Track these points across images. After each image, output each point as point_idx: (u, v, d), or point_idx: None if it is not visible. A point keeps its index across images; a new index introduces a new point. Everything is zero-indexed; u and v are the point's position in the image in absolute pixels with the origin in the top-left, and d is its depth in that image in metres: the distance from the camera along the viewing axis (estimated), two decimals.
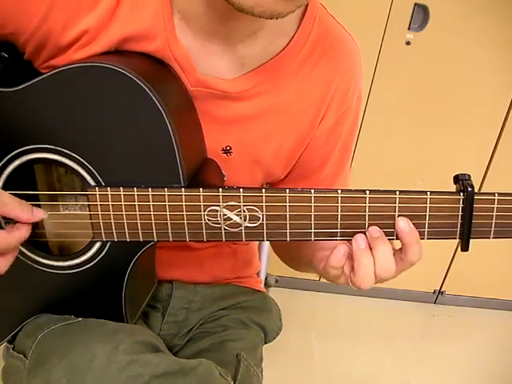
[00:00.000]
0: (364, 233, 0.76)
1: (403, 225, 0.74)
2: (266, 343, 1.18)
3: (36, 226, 0.85)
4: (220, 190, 0.75)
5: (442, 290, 2.80)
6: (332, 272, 0.80)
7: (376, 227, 0.76)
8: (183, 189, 0.76)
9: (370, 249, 0.76)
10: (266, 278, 1.44)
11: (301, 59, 0.91)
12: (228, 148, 0.93)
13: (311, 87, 0.93)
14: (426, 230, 0.74)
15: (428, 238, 0.75)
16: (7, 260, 0.80)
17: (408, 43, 2.19)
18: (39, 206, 0.86)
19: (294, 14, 0.89)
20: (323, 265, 0.83)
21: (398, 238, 0.76)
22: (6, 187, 0.81)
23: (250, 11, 0.71)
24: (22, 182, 0.83)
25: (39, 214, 0.80)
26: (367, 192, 0.73)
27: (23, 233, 0.79)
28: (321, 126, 0.97)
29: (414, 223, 0.74)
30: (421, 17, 2.14)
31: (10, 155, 0.80)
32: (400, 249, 0.77)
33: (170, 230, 0.78)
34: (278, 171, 1.01)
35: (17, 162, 0.80)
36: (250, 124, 0.92)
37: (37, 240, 0.86)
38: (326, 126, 0.97)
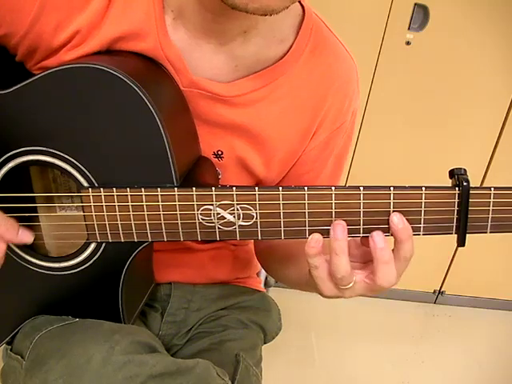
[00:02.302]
0: (359, 230, 0.75)
1: (397, 220, 0.72)
2: (265, 343, 1.18)
3: (32, 228, 0.85)
4: (213, 188, 0.75)
5: (442, 290, 2.80)
6: (311, 262, 0.75)
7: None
8: (176, 188, 0.75)
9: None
10: (266, 278, 1.45)
11: (296, 69, 0.91)
12: (219, 152, 0.93)
13: (305, 100, 0.93)
14: (422, 225, 0.74)
15: (424, 234, 0.74)
16: None
17: (408, 43, 2.19)
18: (35, 207, 0.86)
19: (291, 23, 0.90)
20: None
21: (388, 234, 0.75)
22: (1, 189, 0.81)
23: (243, 8, 0.70)
24: (18, 184, 0.83)
25: (24, 237, 0.82)
26: (361, 188, 0.72)
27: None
28: (313, 140, 0.97)
29: (409, 219, 0.73)
30: (421, 17, 2.14)
31: (3, 157, 0.80)
32: (392, 249, 0.74)
33: (163, 230, 0.78)
34: (270, 178, 1.00)
35: (10, 164, 0.80)
36: (240, 131, 0.92)
37: (33, 242, 0.86)
38: (319, 140, 0.97)
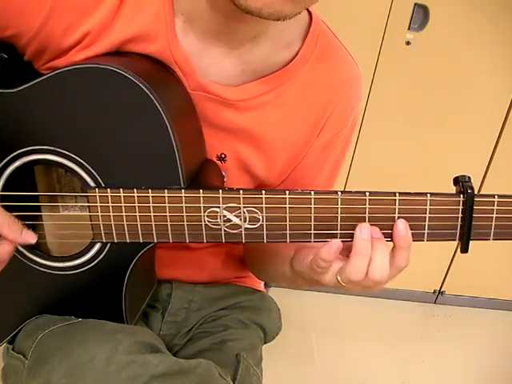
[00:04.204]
0: None
1: (401, 227, 0.73)
2: (265, 343, 1.18)
3: (36, 228, 0.85)
4: (220, 191, 0.75)
5: (442, 290, 2.80)
6: (320, 263, 0.76)
7: (377, 228, 0.75)
8: (183, 190, 0.76)
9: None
10: None
11: (302, 75, 0.92)
12: (223, 156, 0.94)
13: (309, 105, 0.94)
14: (426, 231, 0.74)
15: (428, 240, 0.75)
16: None
17: (408, 43, 2.19)
18: (39, 207, 0.86)
19: (298, 29, 0.90)
20: (309, 259, 0.79)
21: (391, 240, 0.75)
22: (5, 189, 0.81)
23: (257, 13, 0.71)
24: (22, 184, 0.83)
25: (28, 238, 0.81)
26: (367, 194, 0.73)
27: (6, 249, 0.80)
28: (314, 144, 0.98)
29: (413, 225, 0.74)
30: (421, 17, 2.14)
31: (9, 156, 0.80)
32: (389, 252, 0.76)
33: (169, 232, 0.78)
34: (271, 181, 1.01)
35: (17, 164, 0.80)
36: (245, 136, 0.93)
37: (37, 241, 0.86)
38: (319, 143, 0.98)
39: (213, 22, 0.83)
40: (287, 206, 0.74)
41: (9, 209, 0.81)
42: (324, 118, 0.95)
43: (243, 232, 0.77)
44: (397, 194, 0.73)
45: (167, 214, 0.77)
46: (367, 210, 0.73)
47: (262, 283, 1.32)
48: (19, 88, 0.77)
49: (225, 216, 0.76)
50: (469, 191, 0.71)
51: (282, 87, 0.91)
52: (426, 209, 0.73)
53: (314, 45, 0.92)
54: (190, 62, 0.85)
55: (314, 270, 0.78)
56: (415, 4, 2.12)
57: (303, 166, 1.00)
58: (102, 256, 0.83)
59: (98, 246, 0.83)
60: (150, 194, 0.76)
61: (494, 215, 0.73)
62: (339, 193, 0.73)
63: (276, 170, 0.98)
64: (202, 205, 0.76)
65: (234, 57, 0.88)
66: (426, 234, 0.74)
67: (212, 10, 0.81)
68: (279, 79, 0.90)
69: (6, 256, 0.80)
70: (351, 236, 0.75)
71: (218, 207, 0.75)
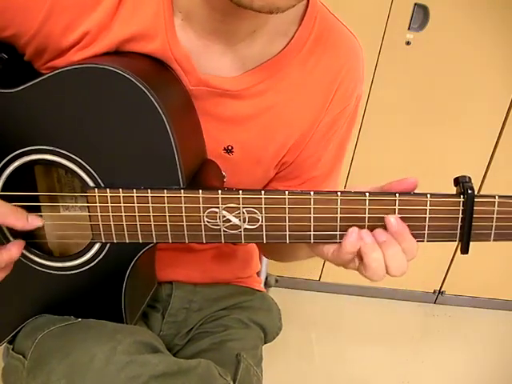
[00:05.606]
0: None
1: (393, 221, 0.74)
2: (265, 343, 1.18)
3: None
4: (219, 191, 0.75)
5: (442, 290, 2.80)
6: (345, 257, 0.77)
7: (381, 230, 0.75)
8: (182, 190, 0.76)
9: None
10: (266, 278, 1.45)
11: (302, 57, 0.91)
12: (230, 147, 0.93)
13: (313, 85, 0.93)
14: (426, 232, 0.74)
15: (428, 241, 0.75)
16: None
17: (408, 43, 2.19)
18: (39, 207, 0.86)
19: (295, 14, 0.89)
20: (332, 250, 0.80)
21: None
22: (5, 188, 0.81)
23: (248, 5, 0.70)
24: (22, 184, 0.83)
25: (35, 222, 0.80)
26: (367, 194, 0.73)
27: (13, 253, 0.80)
28: (320, 124, 0.97)
29: (413, 225, 0.74)
30: (421, 17, 2.14)
31: (9, 156, 0.80)
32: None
33: (169, 232, 0.78)
34: (283, 166, 1.00)
35: (16, 164, 0.80)
36: (251, 124, 0.92)
37: (36, 241, 0.86)
38: (323, 123, 0.97)
39: (210, 19, 0.83)
40: (286, 206, 0.74)
41: None
42: (329, 98, 0.95)
43: (242, 232, 0.77)
44: (397, 195, 0.73)
45: (166, 214, 0.77)
46: (367, 210, 0.73)
47: (262, 284, 1.32)
48: (19, 88, 0.77)
49: (224, 216, 0.76)
50: (469, 192, 0.71)
51: (281, 72, 0.90)
52: (426, 209, 0.73)
53: (312, 27, 0.91)
54: (189, 59, 0.85)
55: (342, 259, 0.78)
56: (415, 4, 2.12)
57: (308, 148, 0.99)
58: (101, 256, 0.83)
59: (97, 246, 0.83)
60: (150, 195, 0.76)
61: (495, 216, 0.72)
62: (339, 193, 0.73)
63: (285, 154, 0.98)
64: (201, 205, 0.76)
65: (233, 52, 0.87)
66: (425, 235, 0.74)
67: (207, 7, 0.81)
68: (277, 65, 0.90)
69: (10, 261, 0.81)
70: None
71: (218, 207, 0.75)
